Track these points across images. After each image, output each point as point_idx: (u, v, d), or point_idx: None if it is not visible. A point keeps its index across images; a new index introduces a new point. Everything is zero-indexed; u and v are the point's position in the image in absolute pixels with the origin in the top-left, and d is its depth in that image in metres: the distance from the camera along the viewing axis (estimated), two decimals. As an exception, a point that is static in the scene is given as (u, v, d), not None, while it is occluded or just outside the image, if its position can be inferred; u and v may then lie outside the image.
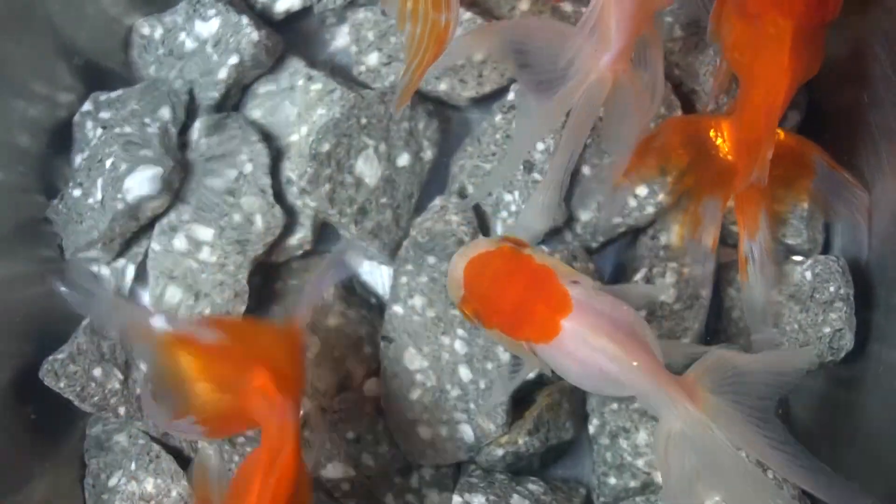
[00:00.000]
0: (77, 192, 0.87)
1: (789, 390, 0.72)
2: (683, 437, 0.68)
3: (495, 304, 0.74)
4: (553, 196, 0.79)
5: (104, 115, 0.89)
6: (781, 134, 0.83)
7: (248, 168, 0.88)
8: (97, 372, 0.85)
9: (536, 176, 0.87)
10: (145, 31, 0.91)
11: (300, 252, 0.91)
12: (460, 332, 0.85)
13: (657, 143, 0.83)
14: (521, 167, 0.87)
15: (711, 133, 0.82)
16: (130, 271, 0.90)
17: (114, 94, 0.90)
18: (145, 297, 0.91)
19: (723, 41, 0.79)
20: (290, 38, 0.93)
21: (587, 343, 0.70)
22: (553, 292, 0.71)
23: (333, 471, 0.86)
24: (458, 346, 0.85)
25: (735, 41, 0.78)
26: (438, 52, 0.75)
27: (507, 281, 0.73)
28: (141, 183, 0.84)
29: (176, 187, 0.86)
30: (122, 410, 0.86)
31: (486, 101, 0.91)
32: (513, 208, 0.88)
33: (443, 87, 0.90)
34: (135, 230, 0.88)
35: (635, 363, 0.69)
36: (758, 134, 0.77)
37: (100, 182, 0.86)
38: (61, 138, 0.91)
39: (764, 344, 0.83)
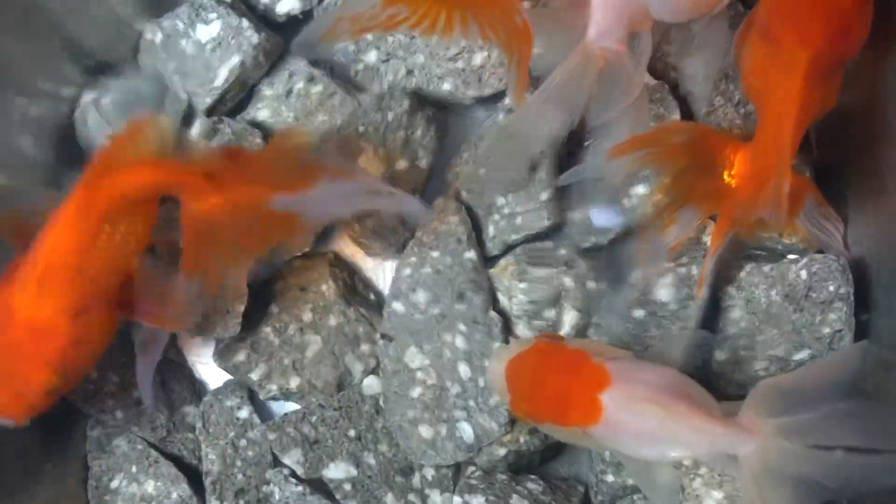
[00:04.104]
0: None
1: (851, 390, 0.70)
2: (767, 468, 0.67)
3: (539, 397, 0.73)
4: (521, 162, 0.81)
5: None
6: None
7: None
8: (93, 374, 0.84)
9: (542, 174, 0.85)
10: (148, 35, 0.89)
11: (300, 252, 0.88)
12: (461, 327, 0.83)
13: (669, 139, 0.79)
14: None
15: (725, 151, 0.78)
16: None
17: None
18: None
19: (741, 66, 0.76)
20: (291, 39, 0.89)
21: (632, 411, 0.69)
22: (588, 371, 0.71)
23: (336, 471, 0.84)
24: (459, 342, 0.83)
25: (752, 67, 0.74)
26: (529, 48, 0.74)
27: (545, 372, 0.73)
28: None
29: None
30: (119, 414, 0.85)
31: (487, 102, 0.89)
32: (506, 211, 0.86)
33: (446, 86, 0.88)
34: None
35: (685, 419, 0.68)
36: (767, 164, 0.74)
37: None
38: (69, 139, 0.89)
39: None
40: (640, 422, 0.69)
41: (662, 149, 0.78)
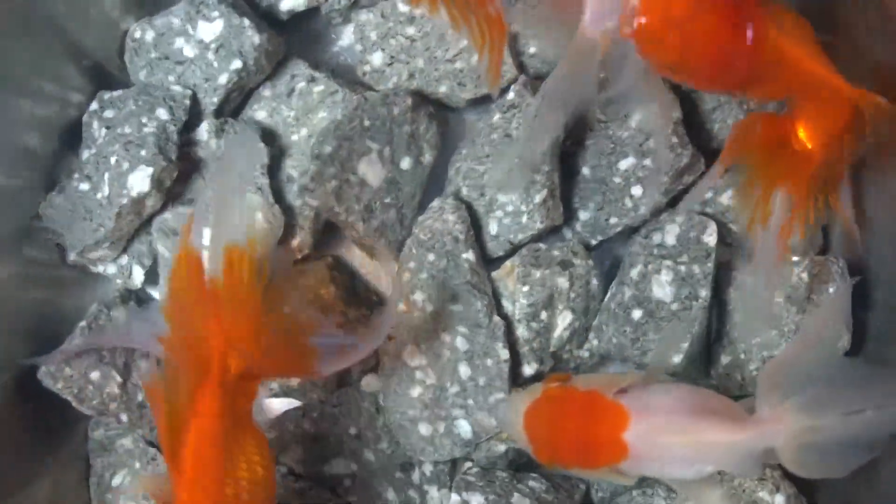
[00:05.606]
0: (85, 186, 0.84)
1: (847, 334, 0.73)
2: (804, 449, 0.68)
3: (564, 447, 0.74)
4: (524, 161, 0.79)
5: (108, 114, 0.86)
6: None
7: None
8: (95, 375, 0.83)
9: (535, 176, 0.84)
10: (137, 34, 0.87)
11: (300, 256, 0.87)
12: (461, 328, 0.82)
13: (751, 131, 0.76)
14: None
15: (784, 126, 0.74)
16: (138, 272, 0.87)
17: (116, 94, 0.87)
18: (155, 296, 0.89)
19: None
20: (296, 38, 0.90)
21: (657, 441, 0.70)
22: (606, 411, 0.71)
23: (336, 466, 0.84)
24: (459, 342, 0.82)
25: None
26: (503, 38, 0.73)
27: (564, 421, 0.73)
28: (142, 180, 0.81)
29: (168, 186, 0.83)
30: (123, 417, 0.84)
31: (485, 103, 0.88)
32: (509, 208, 0.85)
33: (443, 89, 0.87)
34: (137, 226, 0.85)
35: (711, 436, 0.69)
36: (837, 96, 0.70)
37: (107, 176, 0.83)
38: (68, 138, 0.87)
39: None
40: (668, 449, 0.70)
41: (751, 143, 0.75)
